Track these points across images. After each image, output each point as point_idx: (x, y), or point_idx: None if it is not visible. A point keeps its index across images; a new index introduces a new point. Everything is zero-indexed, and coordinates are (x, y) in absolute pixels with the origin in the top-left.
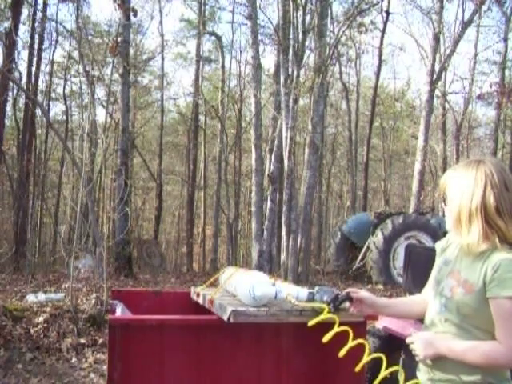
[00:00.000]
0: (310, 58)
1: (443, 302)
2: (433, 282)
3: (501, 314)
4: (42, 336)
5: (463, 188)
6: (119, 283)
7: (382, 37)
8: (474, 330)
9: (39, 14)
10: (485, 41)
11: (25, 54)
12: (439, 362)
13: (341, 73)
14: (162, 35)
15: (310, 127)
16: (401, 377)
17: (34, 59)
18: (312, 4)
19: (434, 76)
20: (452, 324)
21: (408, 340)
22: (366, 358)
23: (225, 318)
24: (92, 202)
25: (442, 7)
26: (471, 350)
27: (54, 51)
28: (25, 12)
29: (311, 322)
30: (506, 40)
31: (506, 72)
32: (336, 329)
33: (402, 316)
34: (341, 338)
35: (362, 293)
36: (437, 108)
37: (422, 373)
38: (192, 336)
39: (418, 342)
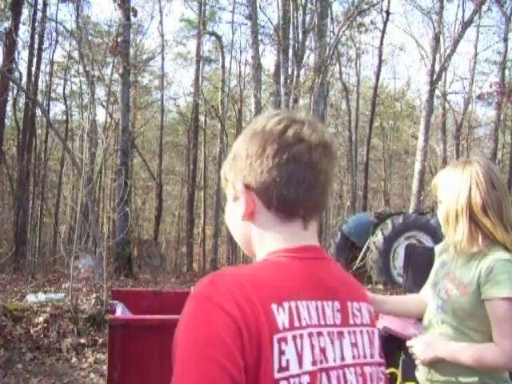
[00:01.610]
0: (310, 58)
1: (439, 304)
2: (430, 284)
3: (496, 315)
4: (42, 336)
5: (450, 189)
6: (119, 283)
7: (382, 37)
8: (471, 332)
9: (39, 14)
10: (485, 41)
11: (25, 54)
12: (438, 363)
13: (341, 73)
14: (162, 35)
15: None
16: (398, 378)
17: (34, 59)
18: (312, 4)
19: (434, 76)
20: (448, 326)
21: (408, 343)
22: None
23: None
24: (92, 202)
25: (441, 7)
26: (468, 352)
27: (53, 51)
28: (25, 12)
29: None
30: (506, 40)
31: (506, 72)
32: None
33: (399, 313)
34: None
35: None
36: (437, 108)
37: (421, 373)
38: None
39: (418, 346)
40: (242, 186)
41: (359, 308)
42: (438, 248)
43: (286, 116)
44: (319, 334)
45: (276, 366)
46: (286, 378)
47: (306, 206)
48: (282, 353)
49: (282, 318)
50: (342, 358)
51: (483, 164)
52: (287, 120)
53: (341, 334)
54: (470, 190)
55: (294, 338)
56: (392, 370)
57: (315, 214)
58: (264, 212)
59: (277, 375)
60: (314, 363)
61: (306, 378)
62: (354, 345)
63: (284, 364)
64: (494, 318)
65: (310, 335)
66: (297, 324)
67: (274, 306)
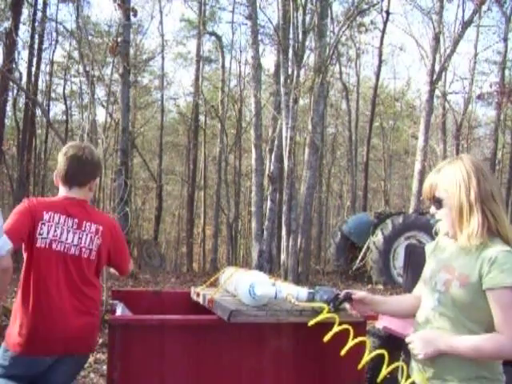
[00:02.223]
0: (310, 58)
1: (437, 297)
2: (424, 281)
3: (500, 304)
4: None
5: (458, 182)
6: (119, 283)
7: (382, 37)
8: (469, 323)
9: (39, 14)
10: (485, 41)
11: (25, 54)
12: (434, 359)
13: (341, 73)
14: (162, 35)
15: (310, 127)
16: (403, 373)
17: (34, 59)
18: (312, 4)
19: (434, 76)
20: (447, 318)
21: (407, 339)
22: (367, 356)
23: (225, 317)
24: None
25: (442, 7)
26: (470, 343)
27: (53, 51)
28: (25, 12)
29: (311, 322)
30: (505, 40)
31: (506, 72)
32: (336, 328)
33: (395, 313)
34: (341, 338)
35: (361, 293)
36: (437, 108)
37: (415, 371)
38: (192, 336)
39: (418, 341)
40: (55, 173)
41: (90, 225)
42: (429, 247)
43: (72, 145)
44: (62, 228)
45: (37, 232)
46: (41, 238)
47: (68, 181)
48: (41, 228)
49: (46, 217)
50: (72, 241)
51: (474, 157)
52: (69, 147)
53: (75, 232)
54: (479, 179)
55: (48, 225)
56: (398, 363)
57: (74, 184)
58: (60, 182)
59: (37, 236)
60: (53, 236)
61: (48, 240)
62: (80, 238)
63: (41, 232)
64: (498, 306)
65: (56, 226)
66: (51, 220)
67: (44, 212)
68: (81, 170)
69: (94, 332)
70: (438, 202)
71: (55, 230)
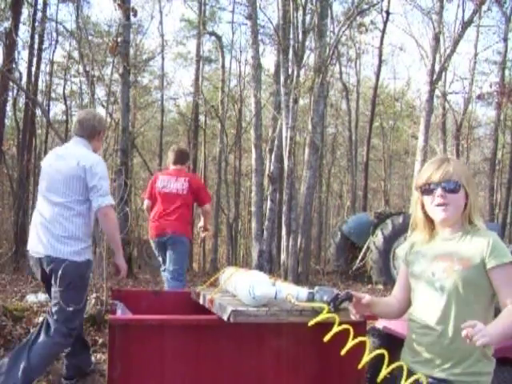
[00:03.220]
0: (310, 58)
1: (439, 286)
2: (416, 277)
3: (508, 278)
4: None
5: (469, 176)
6: (119, 283)
7: (382, 37)
8: (473, 305)
9: (39, 14)
10: (485, 41)
11: (25, 54)
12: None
13: (341, 73)
14: (162, 35)
15: (310, 127)
16: (403, 373)
17: (34, 59)
18: (312, 4)
19: (434, 76)
20: (454, 303)
21: (475, 328)
22: (367, 356)
23: (225, 317)
24: None
25: (442, 7)
26: (508, 320)
27: (53, 51)
28: (25, 12)
29: (311, 322)
30: (505, 40)
31: (506, 72)
32: (336, 328)
33: (386, 315)
34: (341, 338)
35: (367, 297)
36: (437, 108)
37: (409, 356)
38: (192, 336)
39: (480, 327)
40: (167, 162)
41: (181, 178)
42: (401, 250)
43: (175, 145)
44: (168, 181)
45: (156, 186)
46: (157, 188)
47: (174, 162)
48: (157, 183)
49: (160, 177)
50: (174, 186)
51: None
52: (174, 145)
53: (174, 182)
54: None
55: (160, 181)
56: (398, 363)
57: (177, 163)
58: (170, 164)
59: (156, 187)
60: (163, 186)
61: (161, 187)
62: (177, 184)
63: (157, 185)
64: (506, 280)
65: (163, 180)
66: (161, 179)
67: (160, 175)
68: (178, 157)
69: (184, 228)
70: (458, 187)
71: (163, 183)
